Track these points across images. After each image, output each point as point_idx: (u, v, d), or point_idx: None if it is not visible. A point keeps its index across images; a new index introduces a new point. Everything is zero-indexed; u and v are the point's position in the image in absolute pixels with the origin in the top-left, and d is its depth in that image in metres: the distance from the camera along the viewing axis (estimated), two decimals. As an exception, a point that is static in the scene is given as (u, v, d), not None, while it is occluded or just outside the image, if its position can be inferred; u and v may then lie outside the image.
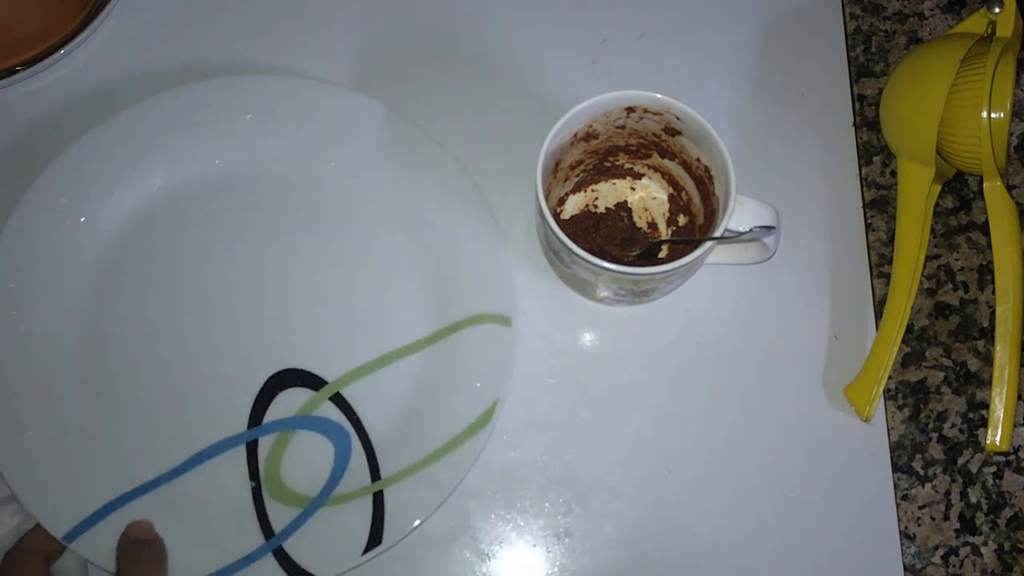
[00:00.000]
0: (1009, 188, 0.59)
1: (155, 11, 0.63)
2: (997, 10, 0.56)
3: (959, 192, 0.61)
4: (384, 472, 0.53)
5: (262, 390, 0.55)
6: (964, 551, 0.55)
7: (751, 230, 0.49)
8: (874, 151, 0.61)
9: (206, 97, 0.58)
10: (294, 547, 0.52)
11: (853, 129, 0.62)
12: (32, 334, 0.54)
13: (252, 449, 0.54)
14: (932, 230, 0.60)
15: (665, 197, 0.57)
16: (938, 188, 0.59)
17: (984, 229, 0.59)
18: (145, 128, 0.57)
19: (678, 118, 0.51)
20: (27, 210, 0.55)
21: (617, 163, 0.57)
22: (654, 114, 0.51)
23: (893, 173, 0.60)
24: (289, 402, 0.55)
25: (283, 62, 0.62)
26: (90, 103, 0.60)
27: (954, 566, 0.54)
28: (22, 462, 0.52)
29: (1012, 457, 0.56)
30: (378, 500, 0.52)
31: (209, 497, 0.53)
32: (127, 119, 0.57)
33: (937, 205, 0.60)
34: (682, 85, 0.60)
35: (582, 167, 0.56)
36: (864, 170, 0.61)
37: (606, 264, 0.47)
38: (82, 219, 0.56)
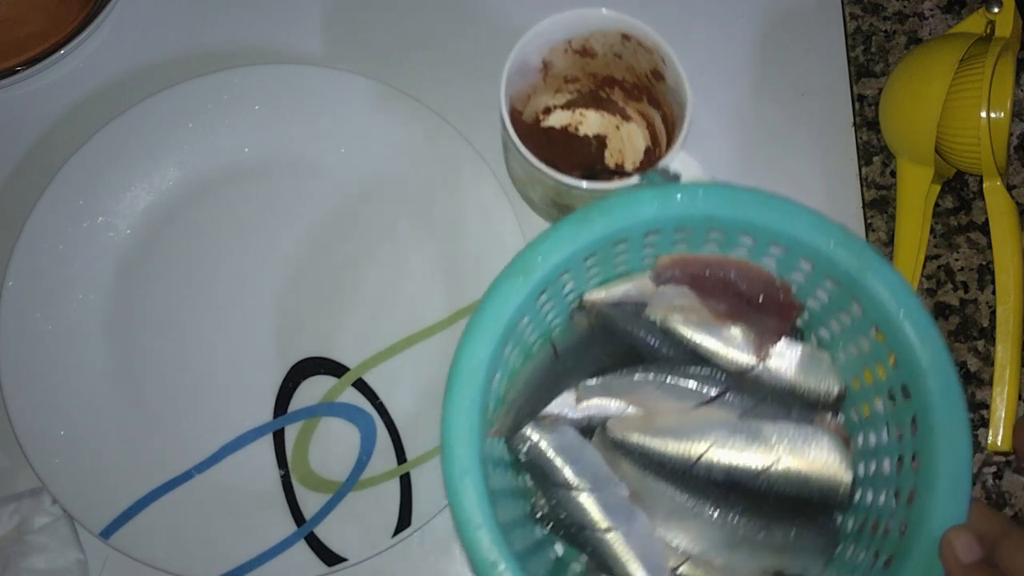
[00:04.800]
0: (1009, 188, 0.59)
1: (154, 10, 0.63)
2: (996, 10, 0.56)
3: (959, 192, 0.61)
4: (409, 454, 0.54)
5: (285, 379, 0.55)
6: (964, 551, 0.55)
7: (664, 169, 0.49)
8: (874, 151, 0.61)
9: (213, 90, 0.58)
10: (325, 532, 0.52)
11: (853, 129, 0.62)
12: (58, 334, 0.55)
13: (279, 438, 0.55)
14: (932, 230, 0.60)
15: (643, 149, 0.57)
16: (938, 188, 0.59)
17: (984, 229, 0.59)
18: (156, 124, 0.58)
19: (663, 61, 0.51)
20: (45, 213, 0.56)
21: (612, 97, 0.57)
22: (646, 50, 0.52)
23: (893, 173, 0.60)
24: (312, 390, 0.55)
25: (284, 50, 0.62)
26: (91, 103, 0.60)
27: (954, 566, 0.54)
28: (56, 461, 0.52)
29: (1012, 457, 0.56)
30: (405, 482, 0.53)
31: (240, 487, 0.54)
32: (136, 116, 0.57)
33: (937, 205, 0.60)
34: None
35: (577, 85, 0.57)
36: (864, 170, 0.61)
37: (524, 152, 0.48)
38: (100, 218, 0.57)
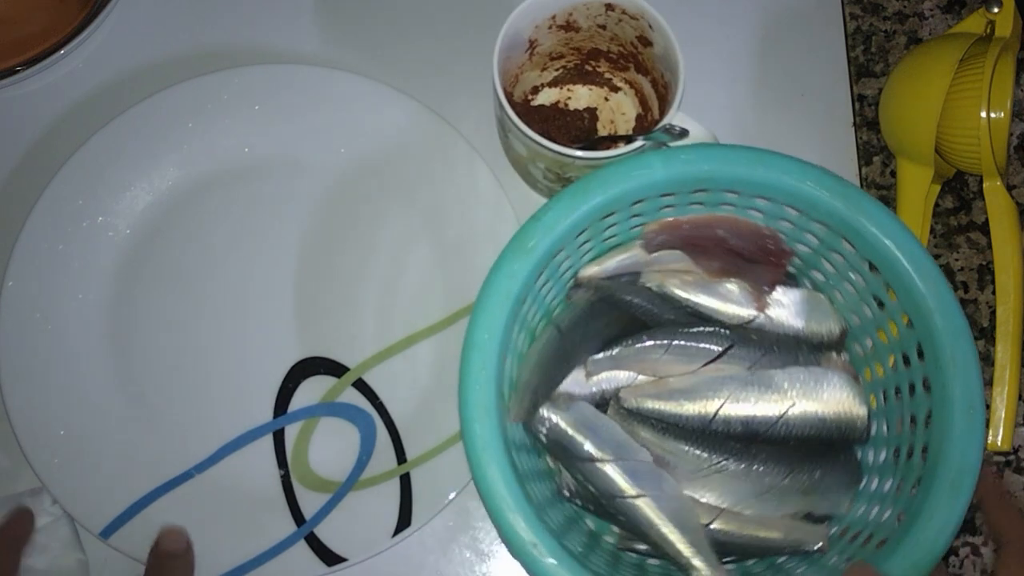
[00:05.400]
0: (1009, 188, 0.59)
1: (154, 10, 0.63)
2: (996, 10, 0.56)
3: (959, 192, 0.61)
4: (409, 454, 0.54)
5: (285, 379, 0.56)
6: (964, 551, 0.55)
7: (670, 126, 0.49)
8: (874, 151, 0.61)
9: (213, 91, 0.58)
10: (325, 532, 0.52)
11: (853, 129, 0.62)
12: (58, 334, 0.55)
13: (279, 438, 0.55)
14: (932, 230, 0.60)
15: (634, 116, 0.57)
16: (938, 188, 0.59)
17: (984, 229, 0.59)
18: (155, 124, 0.57)
19: (651, 26, 0.51)
20: (45, 213, 0.56)
21: (598, 69, 0.57)
22: (631, 18, 0.52)
23: (893, 173, 0.60)
24: (312, 390, 0.55)
25: (284, 50, 0.62)
26: (91, 103, 0.60)
27: (954, 566, 0.54)
28: (56, 461, 0.52)
29: (1012, 457, 0.56)
30: (405, 482, 0.53)
31: (240, 487, 0.54)
32: (136, 116, 0.57)
33: (937, 205, 0.60)
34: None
35: (563, 62, 0.57)
36: (864, 170, 0.61)
37: (523, 127, 0.48)
38: (100, 218, 0.57)
